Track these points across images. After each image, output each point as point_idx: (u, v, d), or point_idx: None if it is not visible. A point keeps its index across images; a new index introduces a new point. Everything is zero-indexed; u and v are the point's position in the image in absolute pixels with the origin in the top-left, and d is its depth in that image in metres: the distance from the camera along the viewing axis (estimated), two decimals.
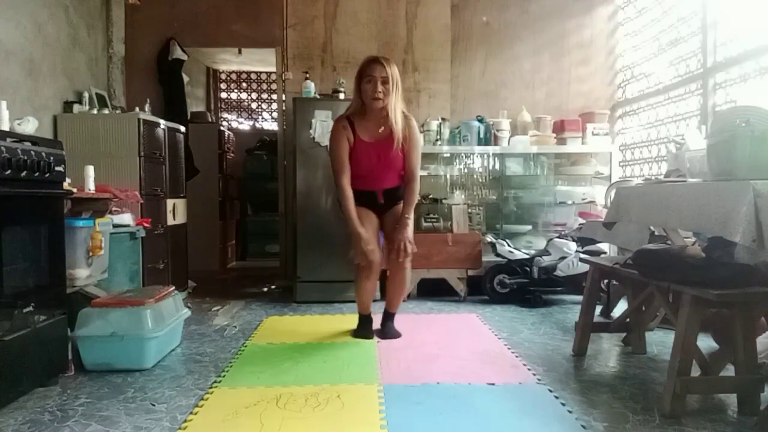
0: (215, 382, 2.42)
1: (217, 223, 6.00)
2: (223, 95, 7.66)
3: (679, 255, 2.17)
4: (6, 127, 2.58)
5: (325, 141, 4.06)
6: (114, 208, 3.49)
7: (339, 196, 3.05)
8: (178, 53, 4.78)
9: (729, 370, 2.24)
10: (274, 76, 6.91)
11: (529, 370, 2.56)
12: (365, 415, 2.05)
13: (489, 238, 4.25)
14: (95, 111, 4.03)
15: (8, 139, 2.19)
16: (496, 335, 3.19)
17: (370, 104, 2.91)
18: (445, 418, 2.03)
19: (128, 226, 3.44)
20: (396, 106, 2.92)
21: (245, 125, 7.82)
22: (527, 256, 4.09)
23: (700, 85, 3.66)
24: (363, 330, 3.19)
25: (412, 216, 3.05)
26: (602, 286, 3.53)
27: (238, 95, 7.81)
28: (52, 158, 2.34)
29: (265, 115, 7.90)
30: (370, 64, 2.90)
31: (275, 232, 5.31)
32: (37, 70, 3.64)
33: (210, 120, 6.32)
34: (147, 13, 4.80)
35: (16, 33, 3.43)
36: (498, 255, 4.13)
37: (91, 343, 2.54)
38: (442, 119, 4.63)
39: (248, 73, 7.70)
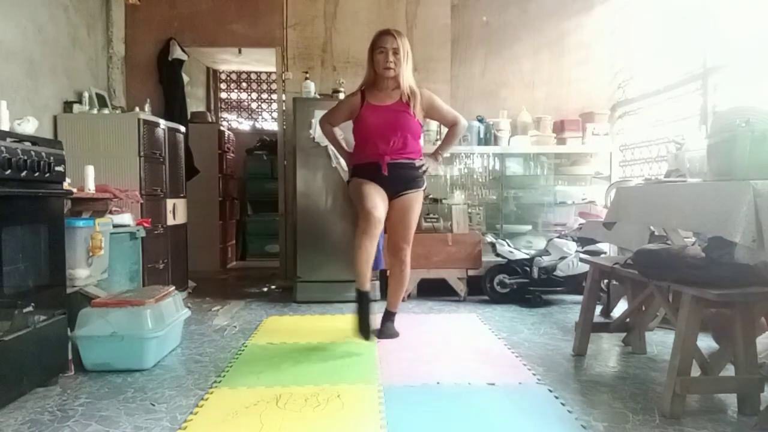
0: (215, 382, 2.42)
1: (217, 223, 5.99)
2: (223, 95, 7.65)
3: (679, 255, 2.17)
4: (6, 127, 2.57)
5: (325, 141, 4.06)
6: (114, 208, 3.49)
7: (325, 136, 3.28)
8: (178, 53, 4.78)
9: (729, 370, 2.24)
10: (274, 76, 6.91)
11: (529, 370, 2.56)
12: (365, 415, 2.05)
13: (489, 238, 4.25)
14: (95, 111, 4.03)
15: (8, 139, 2.19)
16: (496, 335, 3.19)
17: (383, 74, 3.01)
18: (445, 418, 2.03)
19: (128, 226, 3.44)
20: (407, 76, 3.02)
21: (245, 125, 7.82)
22: (527, 256, 4.09)
23: (700, 85, 3.66)
24: (362, 312, 2.82)
25: (445, 153, 3.33)
26: (602, 286, 3.53)
27: (238, 95, 7.80)
28: (52, 158, 2.34)
29: (265, 115, 7.89)
30: (382, 36, 3.00)
31: (275, 232, 5.31)
32: (37, 70, 3.64)
33: (210, 120, 6.31)
34: (147, 13, 4.80)
35: (16, 33, 3.43)
36: (498, 255, 4.13)
37: (91, 343, 2.54)
38: None
39: (248, 73, 7.69)
